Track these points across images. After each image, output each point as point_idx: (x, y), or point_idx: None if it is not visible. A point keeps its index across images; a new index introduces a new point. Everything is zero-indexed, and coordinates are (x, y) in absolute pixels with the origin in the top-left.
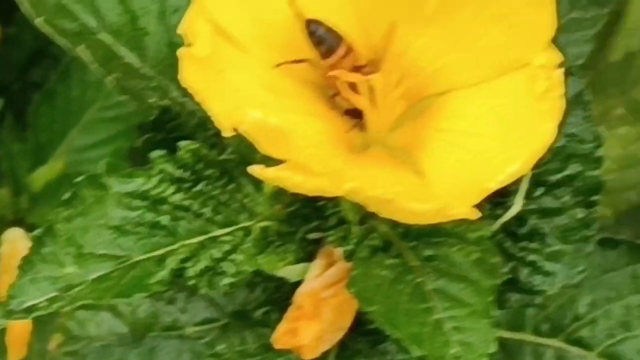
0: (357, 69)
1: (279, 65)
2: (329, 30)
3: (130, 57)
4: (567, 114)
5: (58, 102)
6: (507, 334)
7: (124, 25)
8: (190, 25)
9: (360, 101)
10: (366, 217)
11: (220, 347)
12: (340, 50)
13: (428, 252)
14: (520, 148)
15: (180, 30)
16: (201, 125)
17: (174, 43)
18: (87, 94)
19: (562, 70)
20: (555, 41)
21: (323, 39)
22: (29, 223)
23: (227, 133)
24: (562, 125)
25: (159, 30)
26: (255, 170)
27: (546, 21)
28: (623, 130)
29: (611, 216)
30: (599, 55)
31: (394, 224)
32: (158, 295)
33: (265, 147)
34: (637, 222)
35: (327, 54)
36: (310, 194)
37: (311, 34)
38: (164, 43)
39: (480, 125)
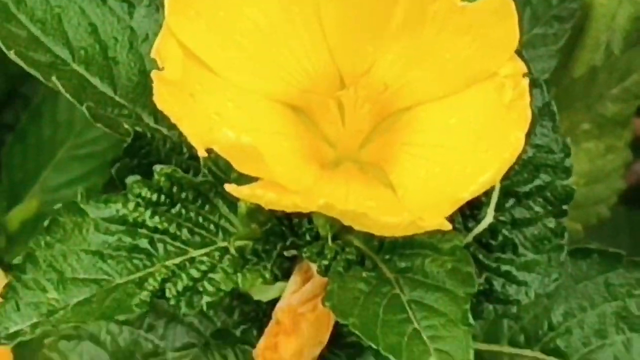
0: None
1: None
2: None
3: (102, 86)
4: (534, 125)
5: (30, 142)
6: (483, 346)
7: (95, 55)
8: (161, 49)
9: (330, 118)
10: (341, 231)
11: None
12: None
13: (403, 264)
14: (491, 157)
15: (152, 54)
16: (175, 150)
17: (145, 71)
18: (58, 133)
19: (527, 79)
20: (519, 56)
21: None
22: (7, 263)
23: (201, 153)
24: (530, 136)
25: (130, 59)
26: (231, 188)
27: (510, 31)
28: (590, 144)
29: (581, 231)
30: (564, 71)
31: (368, 238)
32: (138, 322)
33: (239, 165)
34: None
35: None
36: (285, 210)
37: None
38: (134, 72)
39: (449, 138)
